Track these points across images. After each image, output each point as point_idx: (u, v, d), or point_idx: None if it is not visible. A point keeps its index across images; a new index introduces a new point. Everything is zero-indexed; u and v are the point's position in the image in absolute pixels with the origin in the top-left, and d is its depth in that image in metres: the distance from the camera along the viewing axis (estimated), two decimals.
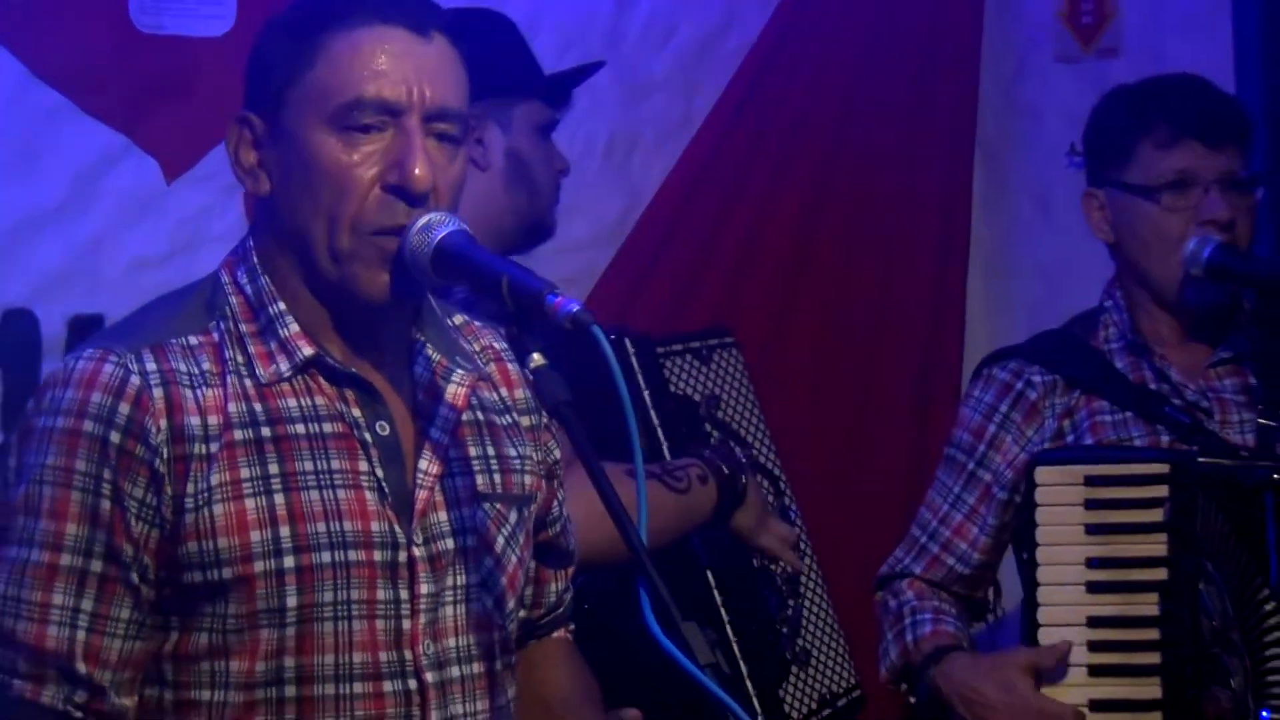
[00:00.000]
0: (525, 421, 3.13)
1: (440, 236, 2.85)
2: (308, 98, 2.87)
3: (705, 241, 5.13)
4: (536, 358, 2.77)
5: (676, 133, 5.18)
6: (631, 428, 2.73)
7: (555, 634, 3.31)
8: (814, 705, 4.47)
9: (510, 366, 3.15)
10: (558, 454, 3.21)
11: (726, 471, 4.07)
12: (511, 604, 3.05)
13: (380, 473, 2.90)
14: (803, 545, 4.52)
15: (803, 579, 4.49)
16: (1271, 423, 3.98)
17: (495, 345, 3.15)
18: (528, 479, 3.09)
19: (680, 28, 5.18)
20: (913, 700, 4.15)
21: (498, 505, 3.03)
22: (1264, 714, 3.76)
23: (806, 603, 4.49)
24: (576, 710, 3.24)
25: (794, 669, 4.41)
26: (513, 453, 3.08)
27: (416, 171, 2.85)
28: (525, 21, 4.77)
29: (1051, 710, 3.87)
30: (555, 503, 3.21)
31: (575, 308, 2.72)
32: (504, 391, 3.12)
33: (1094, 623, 3.88)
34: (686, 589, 3.97)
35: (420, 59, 2.91)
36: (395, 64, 2.88)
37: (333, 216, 2.86)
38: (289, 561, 2.82)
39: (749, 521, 4.21)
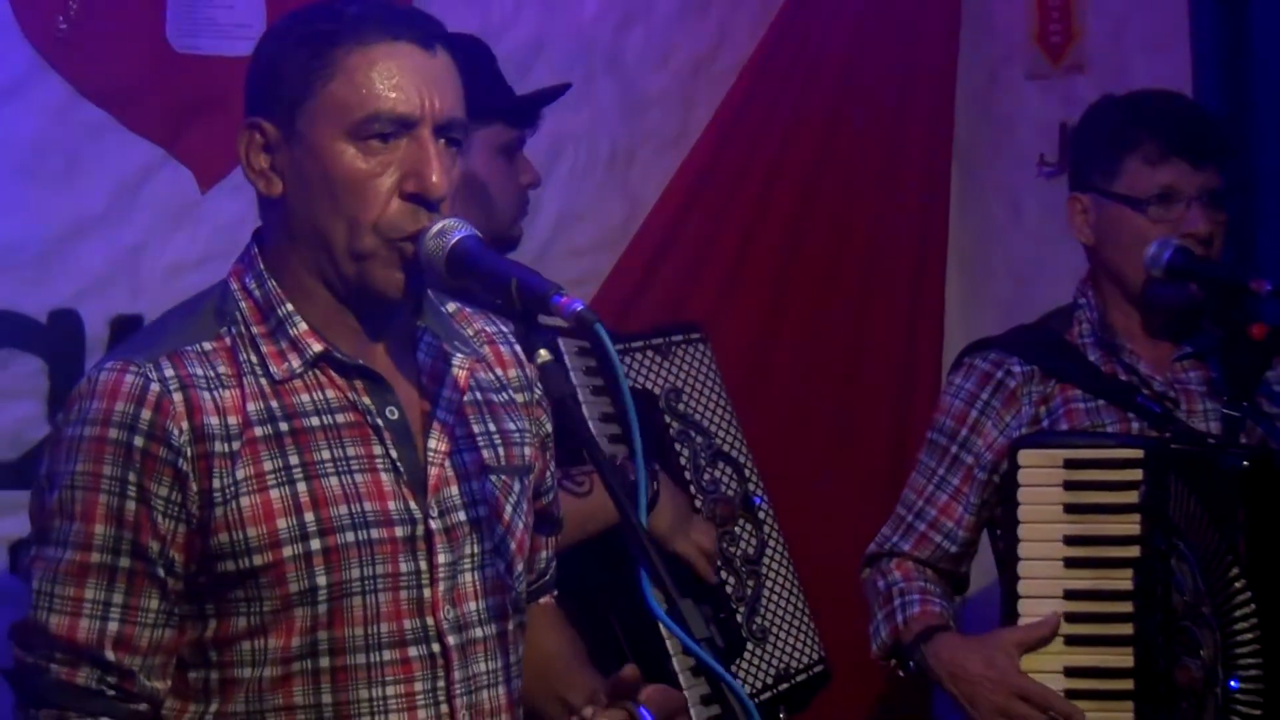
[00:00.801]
0: (520, 398, 3.17)
1: (454, 241, 2.88)
2: (326, 109, 2.88)
3: (701, 245, 5.13)
4: (543, 353, 2.79)
5: (674, 146, 5.19)
6: (631, 419, 2.76)
7: (542, 600, 3.33)
8: (769, 680, 4.47)
9: (502, 348, 3.18)
10: (549, 427, 3.24)
11: (632, 476, 4.02)
12: (520, 567, 3.10)
13: (394, 454, 2.92)
14: (767, 529, 4.49)
15: (765, 560, 4.49)
16: (1235, 413, 3.99)
17: (487, 329, 3.18)
18: (527, 450, 3.12)
19: (677, 48, 5.19)
20: (902, 674, 4.17)
21: (503, 477, 3.06)
22: (1232, 683, 3.77)
23: (768, 583, 4.49)
24: (568, 667, 3.26)
25: (750, 646, 4.42)
26: (511, 427, 3.11)
27: (434, 180, 2.89)
28: (532, 42, 4.82)
29: (1030, 689, 3.89)
30: (548, 473, 3.24)
31: (579, 307, 2.75)
32: (499, 371, 3.15)
33: (1071, 596, 3.91)
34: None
35: (428, 72, 2.93)
36: (407, 78, 2.90)
37: (354, 220, 2.88)
38: (315, 544, 2.84)
39: (663, 526, 4.21)
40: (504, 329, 3.23)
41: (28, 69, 4.14)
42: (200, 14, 4.31)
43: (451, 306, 3.15)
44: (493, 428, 3.08)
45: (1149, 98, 4.26)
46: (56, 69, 4.17)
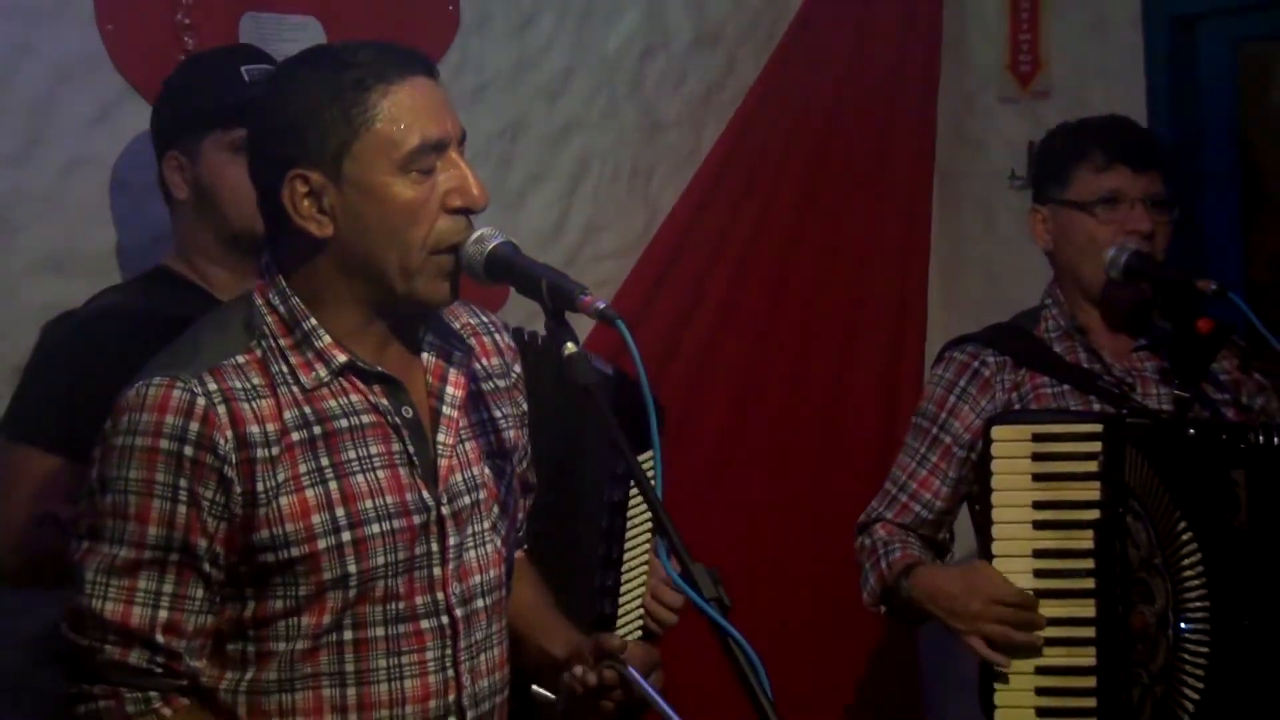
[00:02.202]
0: (502, 384, 3.21)
1: (491, 246, 2.91)
2: (374, 150, 2.88)
3: (710, 251, 5.14)
4: (570, 346, 2.82)
5: (687, 163, 5.19)
6: (649, 405, 2.77)
7: (518, 555, 3.33)
8: None
9: (485, 339, 3.22)
10: (524, 406, 3.28)
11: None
12: (513, 540, 3.11)
13: (411, 449, 2.96)
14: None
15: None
16: (1185, 394, 4.01)
17: (471, 321, 3.22)
18: (512, 433, 3.18)
19: (689, 77, 5.19)
20: (891, 617, 4.22)
21: (497, 460, 3.11)
22: (1183, 625, 3.79)
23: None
24: (543, 617, 3.29)
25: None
26: (499, 414, 3.16)
27: (475, 192, 2.91)
28: (564, 71, 4.83)
29: (1005, 592, 3.92)
30: (523, 444, 3.26)
31: (602, 305, 2.80)
32: (484, 361, 3.19)
33: (1039, 554, 3.94)
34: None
35: (441, 99, 2.97)
36: (432, 108, 2.92)
37: (406, 242, 2.89)
38: (346, 536, 2.87)
39: None
40: (484, 319, 3.27)
41: (118, 96, 4.15)
42: (268, 46, 4.27)
43: None
44: (485, 416, 3.14)
45: (1098, 119, 4.33)
46: (144, 96, 4.16)
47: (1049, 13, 5.46)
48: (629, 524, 3.93)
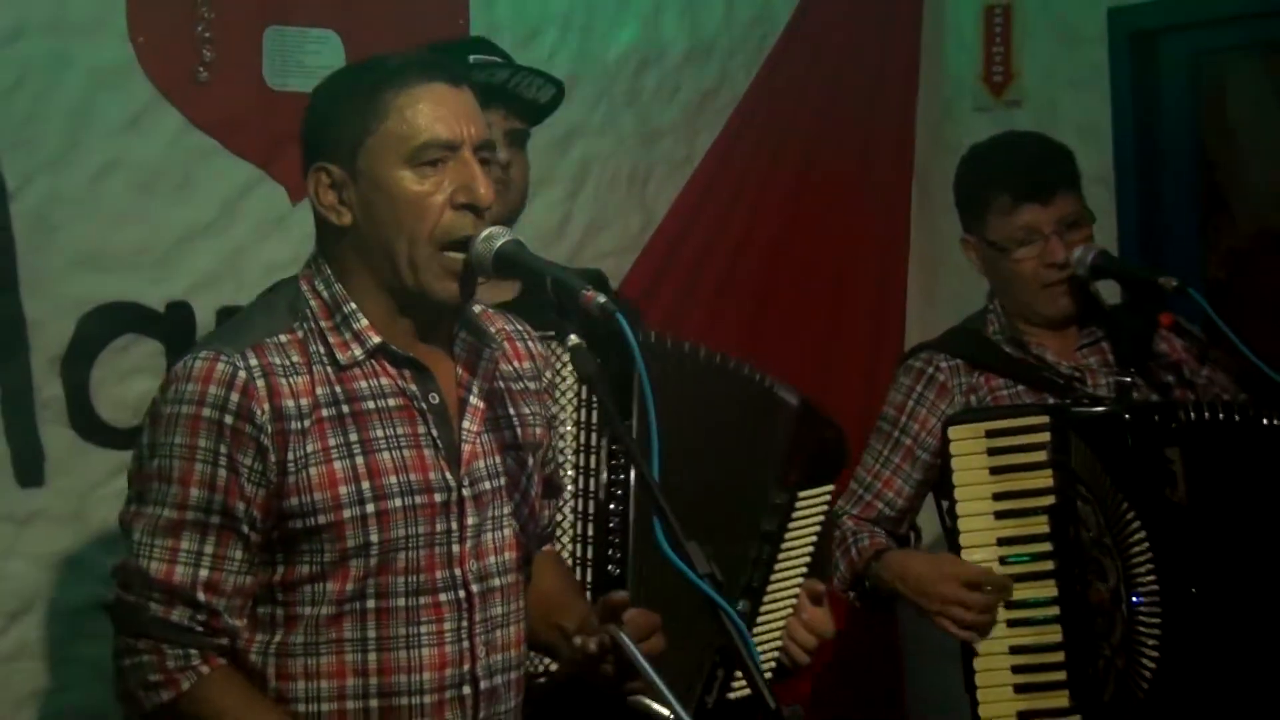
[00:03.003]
0: (533, 386, 3.21)
1: (500, 244, 2.92)
2: (384, 145, 2.92)
3: (702, 250, 5.14)
4: (573, 338, 2.82)
5: (682, 167, 5.19)
6: (647, 395, 2.77)
7: (545, 548, 3.34)
8: None
9: (519, 344, 3.23)
10: (553, 410, 3.30)
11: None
12: (531, 528, 3.12)
13: (435, 433, 2.96)
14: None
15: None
16: (1126, 378, 4.02)
17: (506, 328, 3.24)
18: (537, 430, 3.16)
19: (684, 87, 5.19)
20: (860, 603, 4.20)
21: (520, 453, 3.10)
22: (1135, 599, 3.81)
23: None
24: (564, 600, 3.28)
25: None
26: (527, 411, 3.15)
27: (481, 191, 2.93)
28: (566, 81, 4.79)
29: (973, 572, 3.93)
30: (552, 448, 3.27)
31: (603, 299, 2.78)
32: (516, 364, 3.19)
33: (1001, 542, 3.96)
34: None
35: (460, 104, 2.97)
36: (446, 110, 2.94)
37: (413, 234, 2.91)
38: (370, 508, 2.88)
39: None
40: (519, 327, 3.28)
41: (149, 104, 4.15)
42: (291, 58, 4.33)
43: (478, 308, 3.19)
44: (512, 412, 3.13)
45: (998, 149, 4.29)
46: (173, 103, 4.17)
47: (1020, 27, 5.47)
48: (780, 557, 3.77)
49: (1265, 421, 3.90)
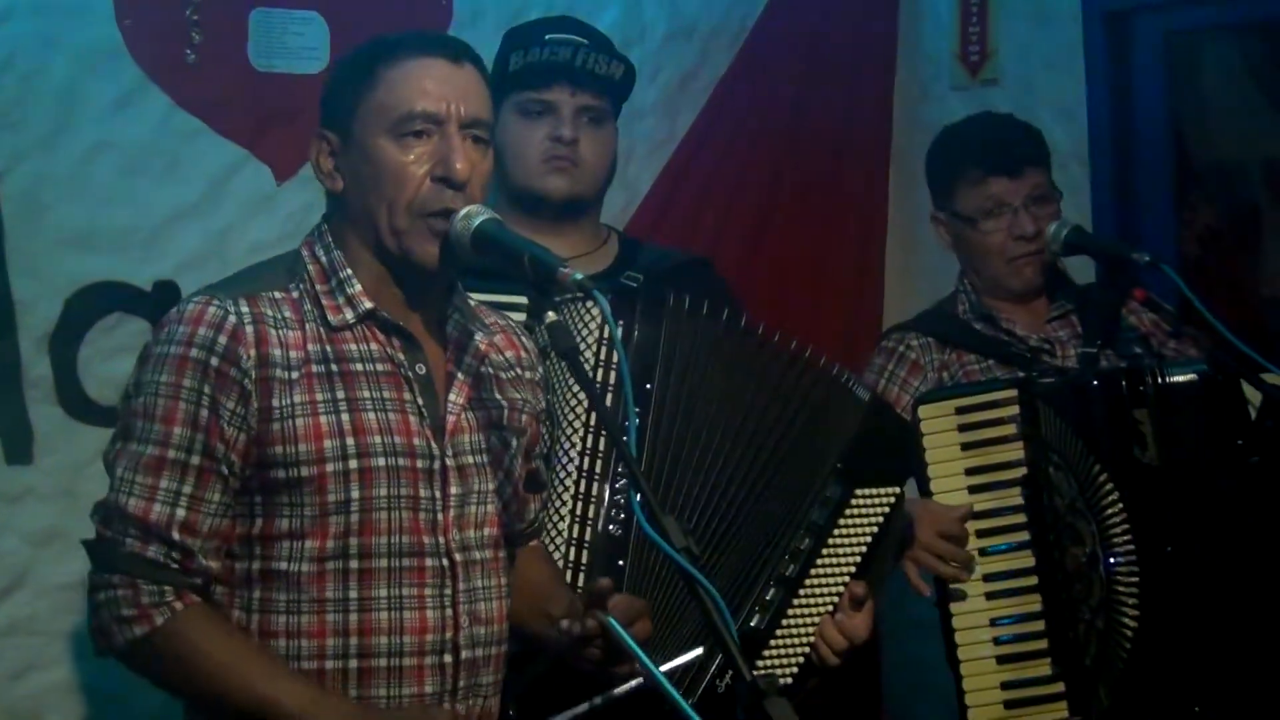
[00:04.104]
0: (526, 375, 3.24)
1: (478, 222, 2.94)
2: (372, 114, 2.97)
3: (683, 229, 5.13)
4: (550, 315, 2.84)
5: (663, 147, 5.19)
6: (624, 367, 2.78)
7: (532, 543, 3.35)
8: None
9: (512, 337, 3.28)
10: (544, 404, 3.29)
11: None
12: (514, 509, 3.12)
13: (420, 401, 2.99)
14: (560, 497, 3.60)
15: None
16: (1092, 350, 4.04)
17: (500, 321, 3.28)
18: (524, 417, 3.18)
19: (665, 67, 5.19)
20: None
21: (505, 434, 3.12)
22: (1112, 560, 3.85)
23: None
24: (552, 589, 3.28)
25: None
26: (515, 396, 3.17)
27: (458, 165, 2.95)
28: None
29: (940, 517, 3.93)
30: (540, 443, 3.28)
31: (579, 277, 2.80)
32: (509, 354, 3.21)
33: (977, 515, 3.97)
34: None
35: (454, 80, 2.99)
36: (436, 85, 2.97)
37: (393, 202, 2.95)
38: (353, 464, 2.90)
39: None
40: (511, 322, 3.31)
41: (136, 85, 4.15)
42: (276, 40, 4.32)
43: (474, 301, 3.21)
44: (499, 396, 3.15)
45: (969, 126, 4.37)
46: (160, 85, 4.17)
47: (996, 7, 5.48)
48: (825, 552, 3.69)
49: (1223, 379, 3.92)
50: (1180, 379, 3.91)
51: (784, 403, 3.67)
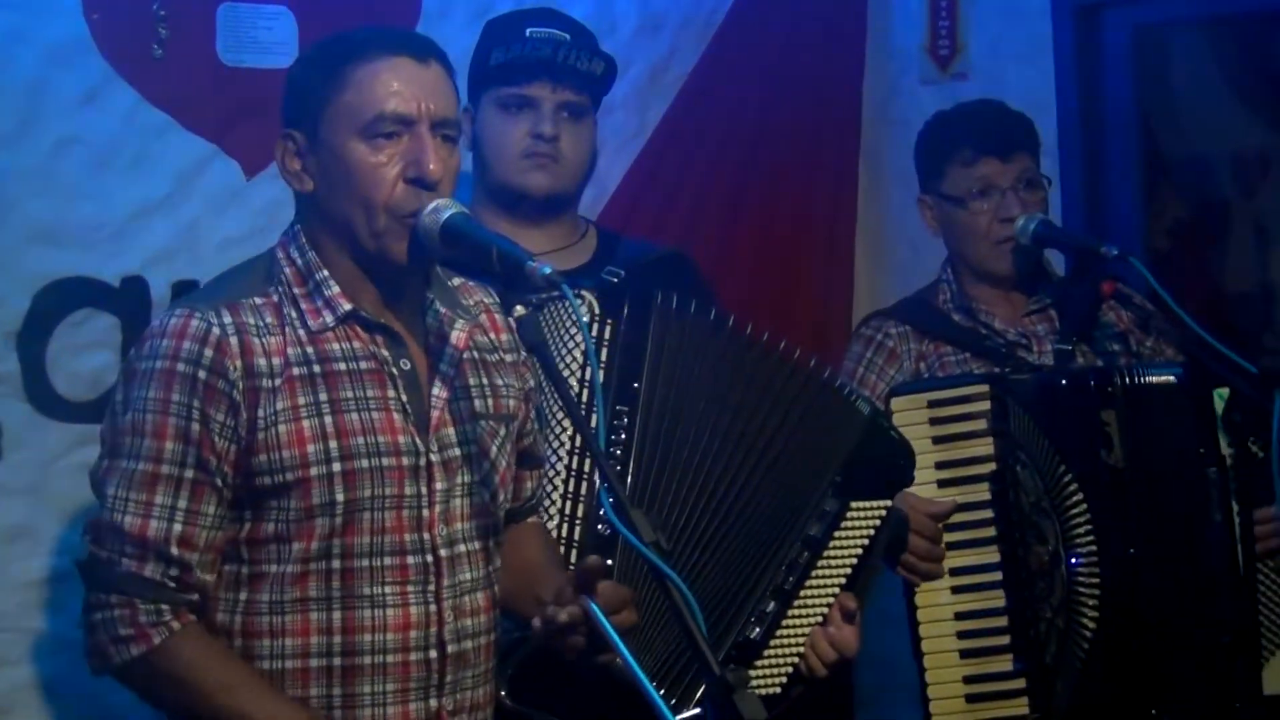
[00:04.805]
0: (509, 358, 3.20)
1: (445, 217, 2.93)
2: (341, 116, 2.95)
3: (654, 222, 5.12)
4: (519, 308, 2.84)
5: (633, 140, 5.18)
6: (593, 362, 2.77)
7: (530, 519, 3.34)
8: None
9: (497, 316, 3.23)
10: (532, 382, 3.25)
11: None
12: (502, 497, 3.13)
13: (404, 398, 2.97)
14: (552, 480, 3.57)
15: None
16: (1067, 347, 4.05)
17: (485, 300, 3.23)
18: (512, 402, 3.16)
19: (635, 61, 5.17)
20: None
21: (491, 422, 3.10)
22: (1073, 560, 3.85)
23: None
24: (544, 571, 3.25)
25: None
26: (500, 382, 3.14)
27: (431, 166, 2.94)
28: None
29: (913, 514, 3.94)
30: (530, 420, 3.26)
31: (548, 270, 2.79)
32: (493, 335, 3.18)
33: None
34: None
35: (423, 80, 2.98)
36: (405, 85, 2.96)
37: (368, 204, 2.93)
38: (337, 467, 2.89)
39: None
40: (498, 302, 3.27)
41: (103, 79, 4.13)
42: (244, 34, 4.30)
43: (456, 281, 3.21)
44: (485, 382, 3.13)
45: (963, 110, 4.39)
46: (128, 80, 4.15)
47: (966, 1, 5.47)
48: (820, 565, 3.68)
49: (1192, 383, 3.94)
50: (1151, 381, 3.93)
51: (778, 407, 3.65)
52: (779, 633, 3.63)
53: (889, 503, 3.74)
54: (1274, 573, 4.00)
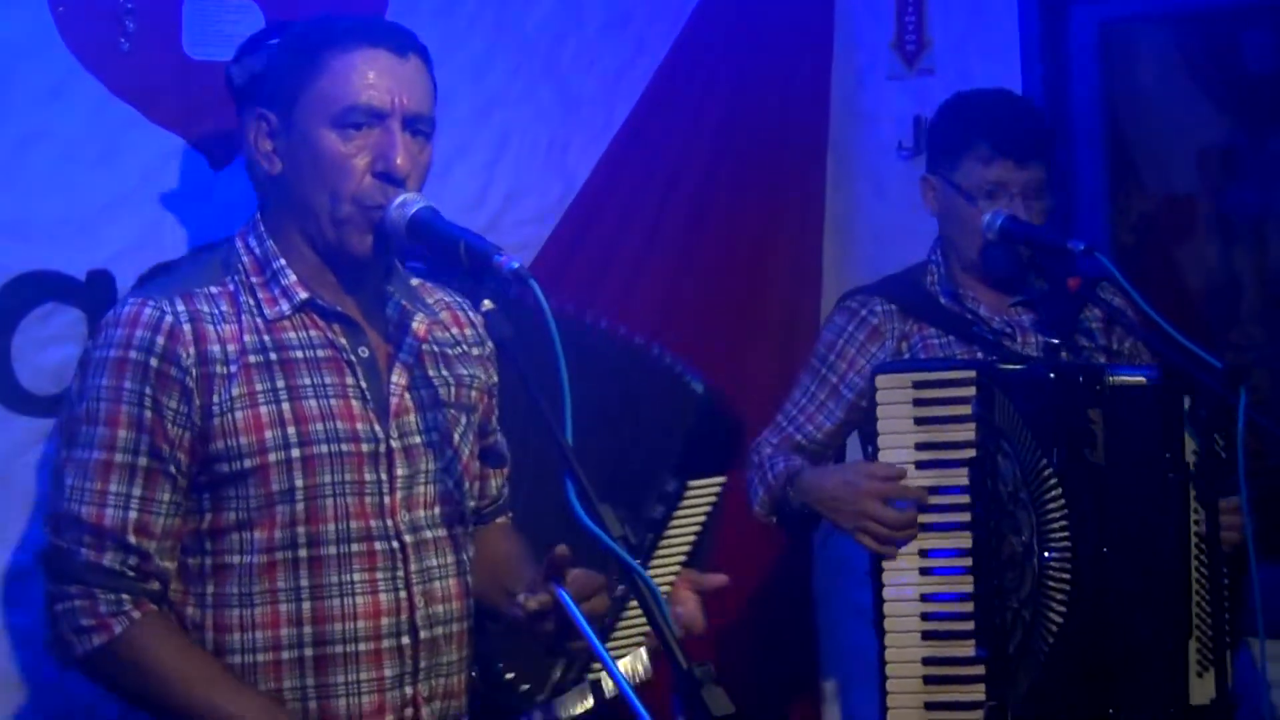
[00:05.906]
0: (474, 351, 3.22)
1: (412, 211, 2.92)
2: (315, 102, 2.96)
3: (621, 216, 5.13)
4: (487, 303, 2.83)
5: (600, 135, 5.18)
6: (559, 357, 2.76)
7: (498, 520, 3.34)
8: None
9: (458, 313, 3.25)
10: (496, 378, 3.25)
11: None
12: (467, 484, 3.13)
13: (364, 385, 2.98)
14: None
15: None
16: (1055, 341, 4.05)
17: (445, 298, 3.25)
18: (474, 394, 3.17)
19: (602, 56, 5.17)
20: (778, 522, 4.27)
21: (453, 411, 3.11)
22: (1047, 554, 3.86)
23: None
24: (515, 567, 3.26)
25: None
26: (463, 372, 3.16)
27: (399, 161, 2.94)
28: (485, 53, 4.83)
29: (881, 485, 3.94)
30: (493, 416, 3.26)
31: (515, 264, 2.80)
32: (455, 330, 3.19)
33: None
34: None
35: (399, 74, 2.98)
36: (380, 78, 2.96)
37: (335, 192, 2.95)
38: (295, 453, 2.89)
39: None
40: (458, 299, 3.29)
41: (69, 73, 4.11)
42: (211, 27, 4.29)
43: (416, 281, 3.22)
44: (446, 372, 3.14)
45: (988, 100, 4.36)
46: (94, 73, 4.14)
47: None
48: (661, 546, 3.74)
49: (1168, 384, 3.97)
50: (1129, 380, 3.95)
51: (624, 396, 3.68)
52: (623, 617, 3.70)
53: (723, 479, 3.78)
54: (1240, 573, 4.01)
